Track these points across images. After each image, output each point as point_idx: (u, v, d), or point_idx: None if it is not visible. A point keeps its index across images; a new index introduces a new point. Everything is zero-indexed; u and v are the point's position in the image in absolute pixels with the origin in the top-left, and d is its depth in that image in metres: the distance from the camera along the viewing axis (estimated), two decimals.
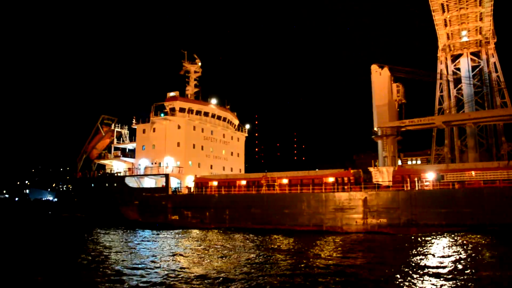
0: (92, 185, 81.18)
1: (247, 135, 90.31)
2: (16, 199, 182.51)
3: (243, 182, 68.94)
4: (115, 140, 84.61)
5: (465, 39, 78.39)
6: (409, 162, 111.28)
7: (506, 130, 75.98)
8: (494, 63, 76.22)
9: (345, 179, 61.76)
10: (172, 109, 77.14)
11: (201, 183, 72.25)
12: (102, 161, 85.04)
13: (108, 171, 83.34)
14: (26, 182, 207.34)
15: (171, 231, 61.20)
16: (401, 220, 55.31)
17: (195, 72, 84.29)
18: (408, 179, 57.29)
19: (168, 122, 76.61)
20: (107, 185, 78.48)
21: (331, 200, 59.29)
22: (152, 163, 77.76)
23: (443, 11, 74.19)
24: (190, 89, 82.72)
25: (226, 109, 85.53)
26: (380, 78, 69.94)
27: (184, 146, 75.40)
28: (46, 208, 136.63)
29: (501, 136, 73.96)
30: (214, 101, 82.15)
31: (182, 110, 77.52)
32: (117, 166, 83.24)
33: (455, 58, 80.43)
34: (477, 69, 77.37)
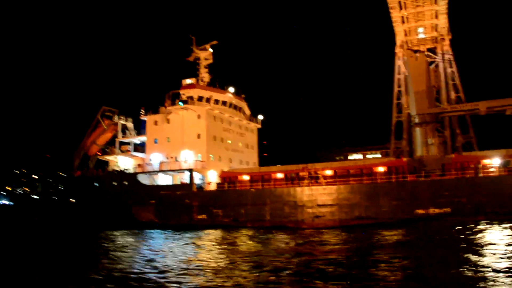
0: (96, 184, 72.29)
1: (260, 126, 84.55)
2: None
3: (280, 175, 63.49)
4: (120, 134, 75.97)
5: (421, 35, 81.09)
6: (368, 156, 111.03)
7: (460, 122, 78.17)
8: (449, 59, 78.56)
9: (399, 168, 58.07)
10: (190, 98, 70.06)
11: (229, 177, 66.00)
12: (107, 157, 75.94)
13: (115, 168, 74.37)
14: None
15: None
16: (467, 208, 52.42)
17: (206, 59, 77.36)
18: (473, 166, 54.62)
19: (186, 112, 69.46)
20: (115, 183, 70.07)
21: (387, 191, 55.37)
22: (167, 158, 70.30)
23: (401, 8, 75.83)
24: (206, 76, 75.65)
25: (241, 98, 79.49)
26: (417, 63, 67.19)
27: (205, 138, 68.60)
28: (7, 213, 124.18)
29: (455, 129, 75.73)
30: (231, 89, 75.75)
31: (200, 99, 70.65)
32: (123, 162, 74.68)
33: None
34: (433, 64, 78.79)
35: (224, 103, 73.72)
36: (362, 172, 59.05)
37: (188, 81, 72.28)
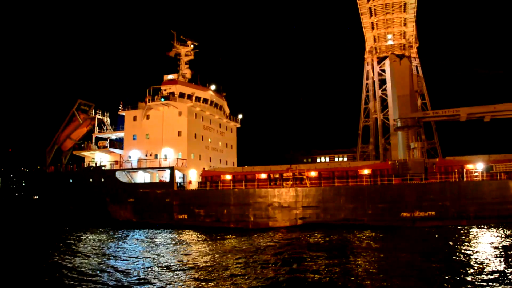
0: (71, 180, 69.23)
1: (239, 125, 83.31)
2: None
3: (263, 176, 62.49)
4: (96, 129, 73.05)
5: (390, 42, 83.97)
6: (336, 159, 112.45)
7: (426, 129, 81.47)
8: (416, 66, 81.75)
9: (384, 171, 58.17)
10: (172, 94, 68.13)
11: (210, 177, 64.48)
12: (83, 153, 72.87)
13: (91, 165, 71.38)
14: None
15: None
16: (450, 212, 53.06)
17: (187, 55, 75.51)
18: (456, 171, 55.28)
19: (166, 108, 67.46)
20: (91, 180, 67.30)
21: (373, 193, 55.35)
22: (146, 155, 68.16)
23: (371, 15, 78.47)
24: (188, 72, 73.80)
25: (222, 96, 78.02)
26: (401, 68, 67.68)
27: (186, 136, 66.85)
28: None
29: (420, 135, 77.64)
30: (213, 87, 74.15)
31: (182, 95, 68.80)
32: (99, 158, 71.89)
33: (381, 60, 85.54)
34: None
35: (205, 100, 72.11)
36: (347, 174, 58.88)
37: (170, 76, 70.42)
